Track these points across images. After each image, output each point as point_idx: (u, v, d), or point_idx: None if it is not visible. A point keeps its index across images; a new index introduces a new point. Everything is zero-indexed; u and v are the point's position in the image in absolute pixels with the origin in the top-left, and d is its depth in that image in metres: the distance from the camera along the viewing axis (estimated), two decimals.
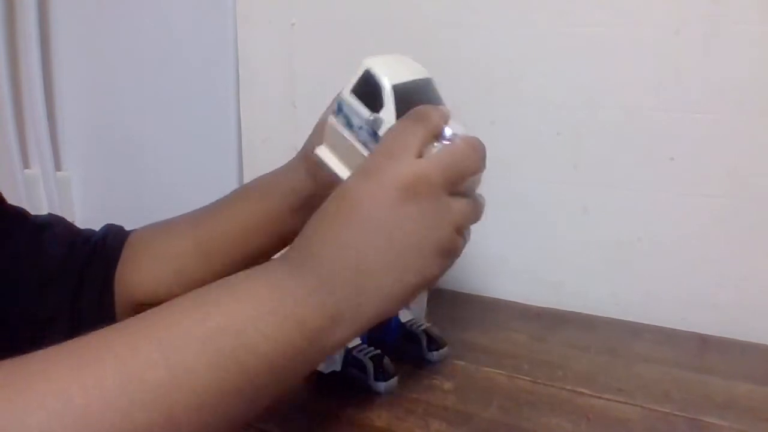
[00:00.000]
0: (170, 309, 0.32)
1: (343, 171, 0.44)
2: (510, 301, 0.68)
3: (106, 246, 0.56)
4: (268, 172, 0.58)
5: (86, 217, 1.03)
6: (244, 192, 0.58)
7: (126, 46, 0.95)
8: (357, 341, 0.49)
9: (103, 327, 0.39)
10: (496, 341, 0.56)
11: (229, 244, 0.54)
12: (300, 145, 0.84)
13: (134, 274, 0.55)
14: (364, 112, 0.42)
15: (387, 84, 0.42)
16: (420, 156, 0.38)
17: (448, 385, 0.47)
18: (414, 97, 0.42)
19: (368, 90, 0.42)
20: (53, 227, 0.55)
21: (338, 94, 0.45)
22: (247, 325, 0.32)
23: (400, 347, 0.52)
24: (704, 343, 0.57)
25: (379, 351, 0.48)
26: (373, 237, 0.36)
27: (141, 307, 0.55)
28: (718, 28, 0.57)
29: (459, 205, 0.39)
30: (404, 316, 0.53)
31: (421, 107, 0.41)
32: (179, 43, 0.90)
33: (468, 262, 0.71)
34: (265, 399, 0.33)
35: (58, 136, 1.04)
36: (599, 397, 0.46)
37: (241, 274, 0.35)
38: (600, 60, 0.62)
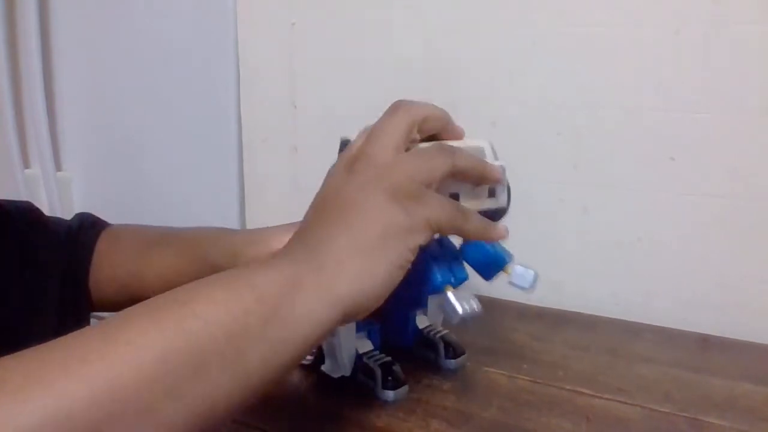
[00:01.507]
0: (131, 308, 0.31)
1: None
2: (510, 301, 0.68)
3: (79, 249, 0.58)
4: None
5: None
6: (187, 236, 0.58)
7: (126, 46, 0.95)
8: (369, 347, 0.48)
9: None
10: (496, 341, 0.56)
11: (161, 285, 0.54)
12: (300, 145, 0.84)
13: (101, 281, 0.58)
14: None
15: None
16: None
17: (448, 385, 0.47)
18: None
19: None
20: (21, 215, 0.56)
21: None
22: (195, 295, 0.30)
23: (416, 353, 0.51)
24: (704, 343, 0.57)
25: (389, 358, 0.47)
26: (323, 208, 0.37)
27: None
28: (718, 28, 0.57)
29: (408, 157, 0.38)
30: (421, 322, 0.52)
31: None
32: (179, 43, 0.90)
33: None
34: (226, 375, 0.29)
35: (58, 136, 1.04)
36: (599, 397, 0.46)
37: None
38: (600, 60, 0.62)
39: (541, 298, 0.67)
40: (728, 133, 0.58)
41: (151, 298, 0.31)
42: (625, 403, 0.45)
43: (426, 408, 0.44)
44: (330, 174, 0.39)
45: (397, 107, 0.40)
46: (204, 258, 0.55)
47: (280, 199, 0.85)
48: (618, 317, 0.62)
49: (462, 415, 0.43)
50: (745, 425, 0.42)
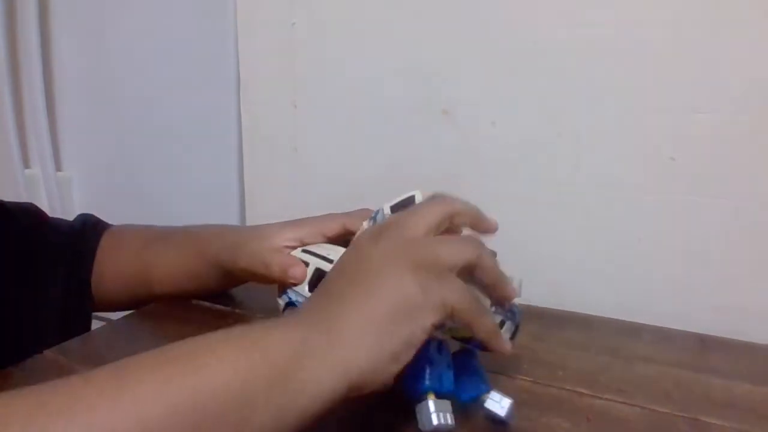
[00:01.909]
0: (139, 355, 0.30)
1: None
2: None
3: (83, 249, 0.59)
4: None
5: None
6: (190, 234, 0.60)
7: (126, 46, 0.95)
8: None
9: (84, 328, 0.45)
10: None
11: (165, 280, 0.58)
12: (299, 145, 0.84)
13: (104, 281, 0.59)
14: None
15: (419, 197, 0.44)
16: None
17: None
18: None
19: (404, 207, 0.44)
20: (24, 216, 0.57)
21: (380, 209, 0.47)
22: (204, 351, 0.30)
23: None
24: (704, 343, 0.57)
25: None
26: (345, 271, 0.37)
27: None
28: (718, 28, 0.57)
29: (437, 237, 0.38)
30: None
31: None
32: (179, 43, 0.90)
33: None
34: None
35: (58, 136, 1.04)
36: (599, 397, 0.46)
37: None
38: (600, 60, 0.62)
39: (541, 298, 0.67)
40: (728, 133, 0.58)
41: (164, 348, 0.31)
42: (625, 403, 0.45)
43: None
44: (357, 238, 0.40)
45: (436, 197, 0.41)
46: (206, 252, 0.55)
47: (280, 199, 0.85)
48: (618, 317, 0.62)
49: (461, 415, 0.43)
50: (745, 425, 0.42)
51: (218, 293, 0.61)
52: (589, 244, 0.66)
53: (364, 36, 0.74)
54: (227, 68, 0.84)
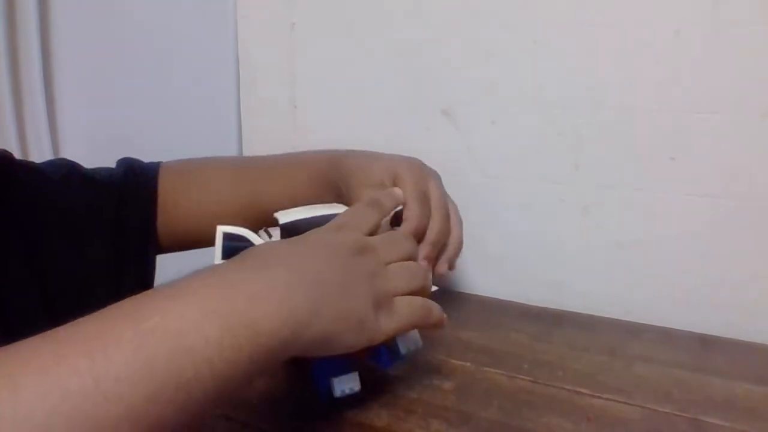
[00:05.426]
0: (109, 312, 0.29)
1: None
2: (510, 301, 0.68)
3: (138, 192, 0.57)
4: None
5: None
6: (296, 161, 0.59)
7: (126, 46, 0.95)
8: None
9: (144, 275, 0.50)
10: (496, 341, 0.56)
11: (270, 205, 0.53)
12: (299, 144, 0.83)
13: (176, 219, 0.58)
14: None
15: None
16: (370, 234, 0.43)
17: (448, 385, 0.47)
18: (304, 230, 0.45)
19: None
20: (68, 175, 0.55)
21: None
22: (188, 327, 0.29)
23: None
24: (704, 343, 0.57)
25: None
26: (328, 260, 0.38)
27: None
28: (718, 28, 0.57)
29: (398, 271, 0.42)
30: None
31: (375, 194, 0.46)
32: (179, 43, 0.90)
33: (468, 262, 0.71)
34: (205, 408, 0.30)
35: (58, 135, 1.04)
36: (599, 397, 0.46)
37: (193, 275, 0.33)
38: (600, 60, 0.62)
39: (541, 298, 0.67)
40: (728, 133, 0.58)
41: (130, 311, 0.30)
42: (625, 403, 0.45)
43: (426, 408, 0.44)
44: (331, 237, 0.41)
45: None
46: (321, 179, 0.55)
47: None
48: (618, 317, 0.62)
49: (462, 415, 0.43)
50: (745, 425, 0.42)
51: None
52: (589, 244, 0.66)
53: (364, 36, 0.74)
54: (227, 69, 0.84)
